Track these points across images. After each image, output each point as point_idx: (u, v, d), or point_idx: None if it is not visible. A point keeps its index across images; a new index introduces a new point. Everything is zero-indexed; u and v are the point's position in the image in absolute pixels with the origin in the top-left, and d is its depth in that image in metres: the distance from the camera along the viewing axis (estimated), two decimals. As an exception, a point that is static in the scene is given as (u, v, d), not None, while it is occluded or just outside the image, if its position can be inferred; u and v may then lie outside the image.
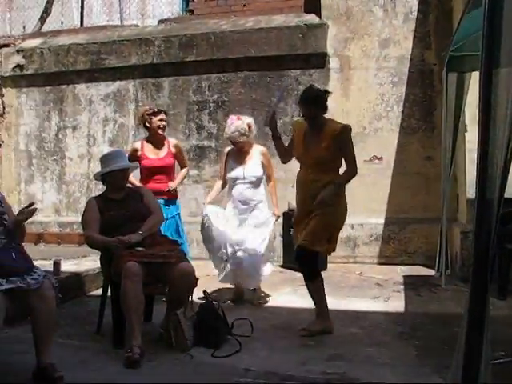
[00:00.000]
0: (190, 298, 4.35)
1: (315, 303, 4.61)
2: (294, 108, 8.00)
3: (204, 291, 4.53)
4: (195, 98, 8.47)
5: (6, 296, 3.39)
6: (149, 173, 5.76)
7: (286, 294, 5.95)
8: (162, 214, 4.84)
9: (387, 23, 8.02)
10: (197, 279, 4.34)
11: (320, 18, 8.23)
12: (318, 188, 4.45)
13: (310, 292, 4.63)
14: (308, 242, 4.45)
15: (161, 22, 9.64)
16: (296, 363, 3.92)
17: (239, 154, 5.68)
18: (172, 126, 8.42)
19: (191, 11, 9.70)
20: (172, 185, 5.80)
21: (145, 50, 8.69)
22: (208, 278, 5.65)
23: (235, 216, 5.61)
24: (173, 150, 5.88)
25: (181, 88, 8.56)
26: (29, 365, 3.60)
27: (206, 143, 8.44)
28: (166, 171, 5.79)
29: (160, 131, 5.80)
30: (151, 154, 5.79)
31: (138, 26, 10.04)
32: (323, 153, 4.47)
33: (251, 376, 3.68)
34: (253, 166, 5.64)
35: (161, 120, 5.79)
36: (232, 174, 5.65)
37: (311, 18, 8.31)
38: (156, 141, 5.84)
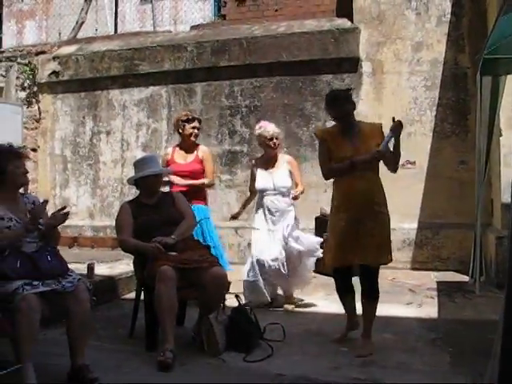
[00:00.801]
0: (222, 303, 4.37)
1: (369, 321, 4.32)
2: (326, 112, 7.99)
3: (236, 295, 4.54)
4: (227, 102, 8.52)
5: (42, 298, 3.44)
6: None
7: (319, 299, 5.92)
8: (194, 218, 4.86)
9: (420, 27, 7.98)
10: (229, 283, 4.37)
11: (352, 22, 8.22)
12: (370, 189, 4.27)
13: (366, 310, 4.32)
14: (376, 259, 4.22)
15: (193, 27, 9.72)
16: (328, 369, 3.89)
17: (267, 163, 5.74)
18: (205, 131, 8.47)
19: (223, 16, 9.77)
20: (176, 181, 5.67)
21: (177, 56, 8.77)
22: (240, 283, 5.65)
23: (266, 230, 5.66)
24: (200, 154, 5.85)
25: (213, 93, 8.62)
26: (64, 366, 3.65)
27: (238, 148, 8.48)
28: (193, 177, 5.76)
29: (192, 138, 5.83)
30: (180, 159, 5.80)
31: (170, 32, 10.14)
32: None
33: (283, 381, 3.67)
34: (281, 175, 5.69)
35: (193, 128, 5.82)
36: (261, 185, 5.70)
37: (343, 23, 8.30)
38: (187, 147, 5.86)
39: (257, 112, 8.35)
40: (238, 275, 5.68)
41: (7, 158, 3.77)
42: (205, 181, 5.84)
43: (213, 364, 4.05)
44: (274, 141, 5.67)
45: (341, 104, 4.33)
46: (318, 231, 7.06)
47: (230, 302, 4.62)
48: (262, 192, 5.70)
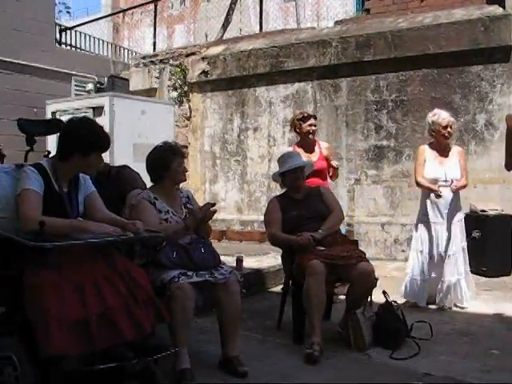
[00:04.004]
0: (369, 298, 4.36)
1: None
2: (476, 105, 7.70)
3: (383, 292, 4.50)
4: (373, 97, 8.41)
5: (196, 288, 3.62)
6: None
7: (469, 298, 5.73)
8: (342, 212, 4.88)
9: None
10: (376, 279, 4.34)
11: (504, 8, 7.80)
12: None
13: None
14: None
15: (337, 22, 9.70)
16: (478, 371, 3.78)
17: (439, 152, 5.56)
18: (350, 127, 8.47)
19: (367, 10, 9.66)
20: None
21: (322, 52, 8.78)
22: (387, 279, 5.61)
23: (433, 223, 5.51)
24: (324, 152, 5.90)
25: (359, 88, 8.55)
26: (215, 354, 3.85)
27: (384, 143, 8.34)
28: (320, 174, 5.77)
29: (310, 136, 5.85)
30: (304, 158, 5.83)
31: (314, 28, 10.19)
32: None
33: (430, 381, 3.62)
34: (454, 167, 5.49)
35: (310, 125, 5.82)
36: (432, 175, 5.49)
37: (494, 10, 7.89)
38: (307, 145, 5.89)
39: (403, 106, 8.18)
40: (384, 271, 5.64)
41: (173, 155, 4.00)
42: (335, 163, 5.97)
43: (359, 359, 4.07)
44: (449, 129, 5.48)
45: None
46: (467, 228, 6.85)
47: (378, 298, 4.61)
48: (433, 182, 5.48)
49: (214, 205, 4.08)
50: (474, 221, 6.77)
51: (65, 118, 5.38)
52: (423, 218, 5.57)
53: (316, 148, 5.91)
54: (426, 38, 8.02)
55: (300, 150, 5.84)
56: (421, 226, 5.58)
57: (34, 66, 10.26)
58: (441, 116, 5.49)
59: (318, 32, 9.50)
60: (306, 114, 5.90)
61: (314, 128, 5.86)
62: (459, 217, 5.54)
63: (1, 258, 3.24)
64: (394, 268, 5.92)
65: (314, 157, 5.82)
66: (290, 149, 5.97)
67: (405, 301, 5.45)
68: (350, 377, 3.73)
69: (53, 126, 4.20)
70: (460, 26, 7.88)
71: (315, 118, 5.98)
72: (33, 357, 2.88)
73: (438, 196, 5.34)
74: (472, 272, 6.28)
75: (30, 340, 2.89)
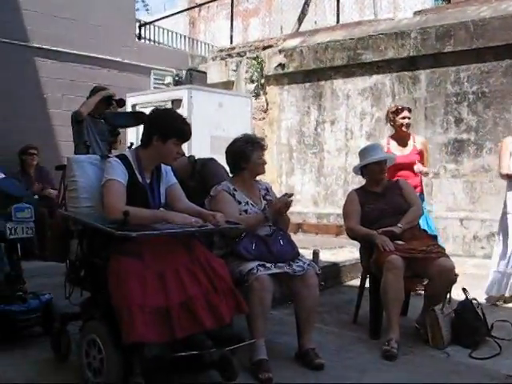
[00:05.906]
0: (448, 295, 4.27)
1: None
2: None
3: (463, 288, 4.41)
4: (453, 89, 8.20)
5: (274, 280, 3.64)
6: (394, 169, 5.73)
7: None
8: (421, 207, 4.81)
9: None
10: (456, 276, 4.25)
11: None
12: None
13: None
14: None
15: (416, 13, 9.52)
16: None
17: None
18: (429, 119, 8.31)
19: (448, 0, 9.44)
20: (421, 168, 5.75)
21: (401, 43, 8.64)
22: (466, 276, 5.48)
23: None
24: (418, 146, 5.86)
25: (438, 80, 8.36)
26: (290, 346, 3.87)
27: (464, 136, 8.12)
28: (411, 167, 5.74)
29: (403, 128, 5.81)
30: (396, 151, 5.78)
31: (392, 19, 10.02)
32: None
33: (512, 382, 3.53)
34: None
35: (403, 118, 5.79)
36: None
37: None
38: (400, 138, 5.86)
39: (485, 98, 7.94)
40: (463, 268, 5.52)
41: (252, 147, 4.03)
42: (428, 169, 5.89)
43: (436, 357, 4.01)
44: None
45: None
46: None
47: (457, 295, 4.51)
48: None
49: (291, 195, 4.09)
50: None
51: (145, 111, 5.53)
52: (505, 210, 5.48)
53: (410, 141, 5.88)
54: (511, 27, 7.74)
55: (393, 143, 5.87)
56: (503, 219, 5.49)
57: (116, 61, 10.52)
58: None
59: (397, 23, 9.35)
60: (399, 107, 5.90)
61: (407, 121, 5.83)
62: None
63: (87, 245, 3.37)
64: (473, 265, 5.78)
65: (407, 150, 5.81)
66: (380, 141, 5.91)
67: (487, 297, 5.36)
68: (428, 374, 3.68)
69: (137, 117, 4.32)
70: (547, 13, 7.57)
71: (409, 110, 5.94)
72: (117, 341, 2.96)
73: None
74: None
75: (114, 325, 2.98)
